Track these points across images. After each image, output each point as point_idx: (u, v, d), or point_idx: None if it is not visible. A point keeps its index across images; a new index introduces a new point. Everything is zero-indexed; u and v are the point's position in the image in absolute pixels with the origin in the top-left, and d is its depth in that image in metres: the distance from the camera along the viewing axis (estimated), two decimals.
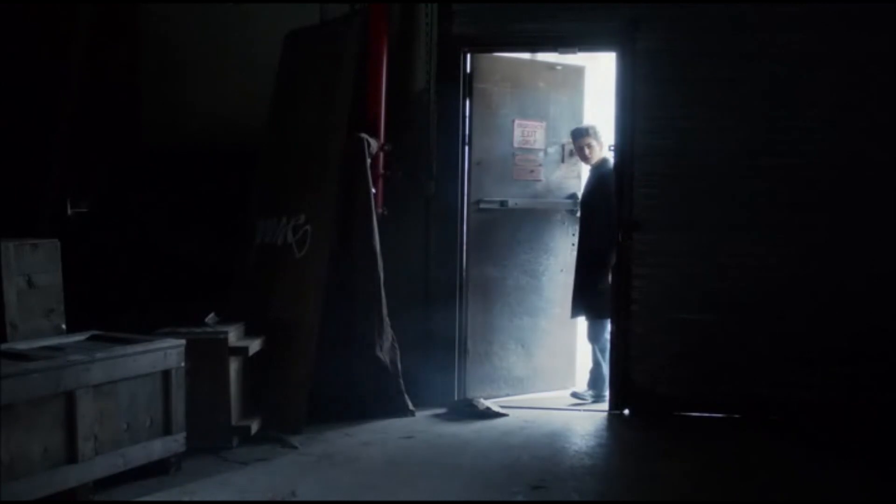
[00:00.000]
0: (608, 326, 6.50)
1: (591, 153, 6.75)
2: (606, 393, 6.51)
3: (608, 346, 6.49)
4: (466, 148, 6.54)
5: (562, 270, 6.93)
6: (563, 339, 6.95)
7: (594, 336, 6.73)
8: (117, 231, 6.56)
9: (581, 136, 6.78)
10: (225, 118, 6.77)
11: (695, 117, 6.19)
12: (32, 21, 6.46)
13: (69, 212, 6.39)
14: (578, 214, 6.93)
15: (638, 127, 6.24)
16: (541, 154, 6.92)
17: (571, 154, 6.95)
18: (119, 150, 6.77)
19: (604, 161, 6.74)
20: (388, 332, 6.11)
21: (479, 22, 6.43)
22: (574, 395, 6.77)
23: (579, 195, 6.97)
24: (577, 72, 7.11)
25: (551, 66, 6.94)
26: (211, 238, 6.49)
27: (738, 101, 6.16)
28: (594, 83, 7.47)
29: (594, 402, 6.62)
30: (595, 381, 6.71)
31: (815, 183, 6.11)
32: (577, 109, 7.08)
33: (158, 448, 4.85)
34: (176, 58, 6.91)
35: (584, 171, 7.03)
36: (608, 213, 6.46)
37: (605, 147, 6.73)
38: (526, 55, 6.97)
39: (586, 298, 6.64)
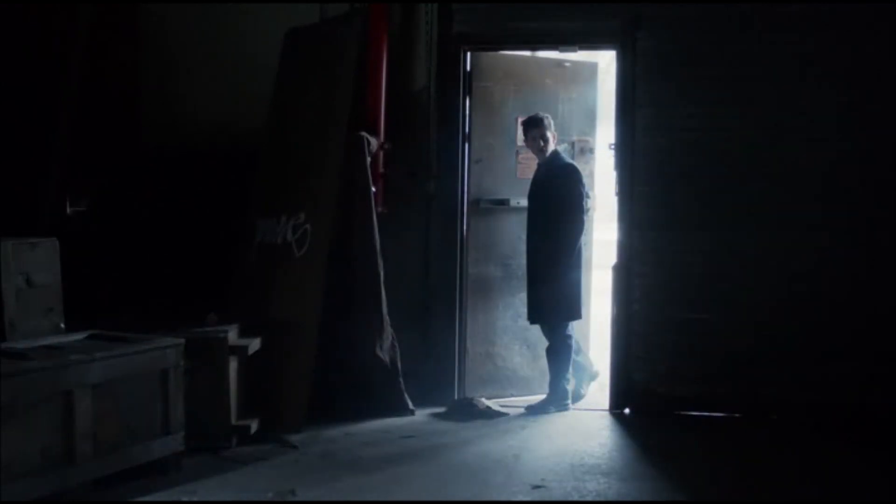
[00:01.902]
0: (566, 330, 6.31)
1: (545, 146, 6.31)
2: (583, 391, 6.48)
3: (570, 345, 6.32)
4: (467, 146, 6.52)
5: None
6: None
7: (553, 345, 6.33)
8: (117, 230, 6.54)
9: (534, 127, 6.31)
10: (225, 117, 6.76)
11: (696, 116, 6.16)
12: (33, 20, 6.45)
13: (68, 211, 6.38)
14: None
15: (638, 125, 6.22)
16: None
17: (583, 151, 6.74)
18: (119, 150, 6.75)
19: (556, 155, 6.37)
20: (389, 331, 6.09)
21: (478, 21, 6.40)
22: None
23: (591, 193, 6.69)
24: (591, 68, 6.95)
25: (559, 63, 6.80)
26: (210, 237, 6.47)
27: (740, 100, 6.14)
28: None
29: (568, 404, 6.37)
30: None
31: (817, 181, 6.08)
32: (591, 106, 6.92)
33: (157, 448, 4.84)
34: (176, 57, 6.91)
35: (599, 168, 6.89)
36: (561, 212, 6.23)
37: (556, 140, 6.43)
38: (535, 46, 6.82)
39: (543, 302, 6.28)
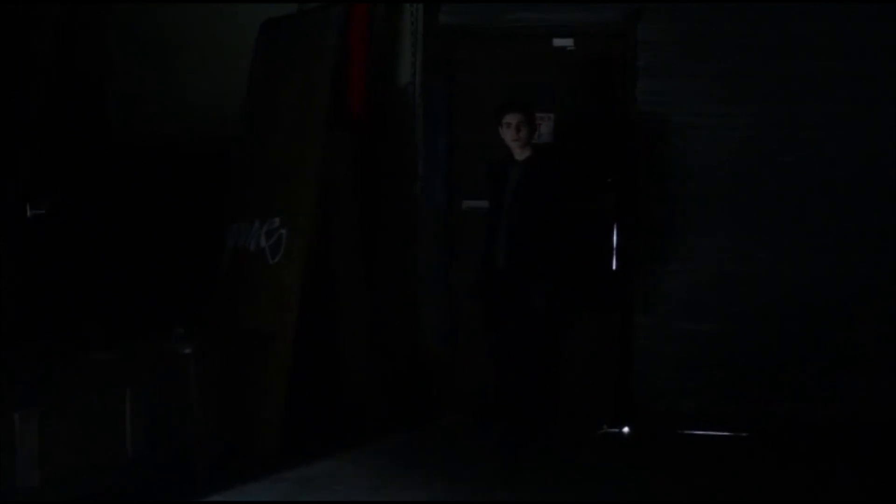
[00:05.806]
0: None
1: (530, 136, 5.44)
2: None
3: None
4: (454, 145, 6.26)
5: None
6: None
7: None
8: (80, 235, 6.28)
9: (519, 111, 5.39)
10: (198, 115, 6.48)
11: (700, 113, 5.97)
12: None
13: (28, 214, 6.10)
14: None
15: (640, 124, 6.02)
16: None
17: None
18: (85, 149, 6.47)
19: (543, 152, 5.67)
20: (373, 342, 5.90)
21: (467, 12, 6.16)
22: None
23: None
24: (604, 49, 6.24)
25: (562, 50, 6.26)
26: (182, 243, 6.23)
27: (746, 97, 5.96)
28: None
29: None
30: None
31: (829, 183, 5.89)
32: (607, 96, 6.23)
33: (117, 474, 4.48)
34: (147, 54, 6.65)
35: None
36: (547, 215, 5.39)
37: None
38: (527, 39, 6.34)
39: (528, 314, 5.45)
